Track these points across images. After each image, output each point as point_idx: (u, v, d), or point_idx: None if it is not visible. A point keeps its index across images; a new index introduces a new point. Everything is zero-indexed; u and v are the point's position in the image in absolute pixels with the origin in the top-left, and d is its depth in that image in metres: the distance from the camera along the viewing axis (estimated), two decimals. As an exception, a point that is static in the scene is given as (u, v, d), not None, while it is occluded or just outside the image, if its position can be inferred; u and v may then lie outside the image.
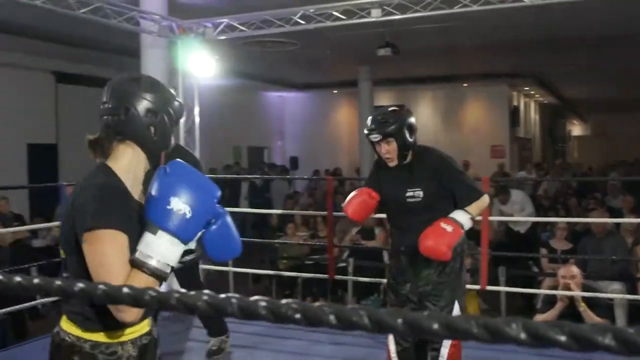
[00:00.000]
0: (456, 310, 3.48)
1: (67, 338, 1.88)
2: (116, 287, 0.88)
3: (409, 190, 3.45)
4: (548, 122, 26.79)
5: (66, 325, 1.90)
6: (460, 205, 3.37)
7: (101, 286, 0.91)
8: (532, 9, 6.59)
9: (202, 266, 6.82)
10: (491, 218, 6.39)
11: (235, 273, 8.02)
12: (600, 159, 23.73)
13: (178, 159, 1.91)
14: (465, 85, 18.20)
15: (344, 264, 7.41)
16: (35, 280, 0.88)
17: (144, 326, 1.98)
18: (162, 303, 0.86)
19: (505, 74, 16.59)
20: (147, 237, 1.75)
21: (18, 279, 0.88)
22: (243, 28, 6.67)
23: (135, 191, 1.93)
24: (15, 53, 11.35)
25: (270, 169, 16.82)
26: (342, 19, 6.13)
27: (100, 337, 1.87)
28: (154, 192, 1.80)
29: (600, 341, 0.69)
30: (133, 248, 1.77)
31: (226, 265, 7.63)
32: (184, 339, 5.17)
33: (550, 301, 5.25)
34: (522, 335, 0.72)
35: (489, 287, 5.52)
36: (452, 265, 3.49)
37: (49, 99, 12.18)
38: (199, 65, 6.68)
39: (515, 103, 19.65)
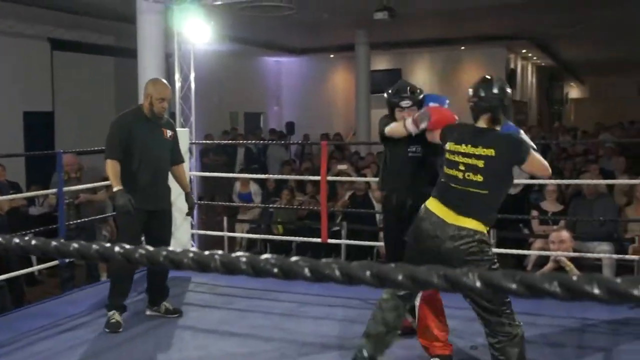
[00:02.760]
0: None
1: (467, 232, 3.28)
2: (133, 248, 0.96)
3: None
4: (545, 85, 26.74)
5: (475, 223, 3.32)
6: None
7: (117, 248, 0.99)
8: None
9: (196, 231, 6.89)
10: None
11: (229, 238, 8.10)
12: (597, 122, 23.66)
13: None
14: (462, 48, 18.13)
15: (337, 228, 7.59)
16: (34, 242, 0.96)
17: None
18: (151, 260, 0.94)
19: (503, 36, 16.49)
20: None
21: (17, 240, 0.96)
22: (237, -7, 6.66)
23: None
24: (10, 20, 11.28)
25: (270, 135, 16.86)
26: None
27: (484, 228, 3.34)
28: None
29: (588, 290, 0.81)
30: None
31: (221, 230, 7.71)
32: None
33: (541, 263, 5.36)
34: (518, 287, 0.82)
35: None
36: None
37: (44, 67, 12.14)
38: (194, 31, 6.68)
39: (512, 66, 19.59)
